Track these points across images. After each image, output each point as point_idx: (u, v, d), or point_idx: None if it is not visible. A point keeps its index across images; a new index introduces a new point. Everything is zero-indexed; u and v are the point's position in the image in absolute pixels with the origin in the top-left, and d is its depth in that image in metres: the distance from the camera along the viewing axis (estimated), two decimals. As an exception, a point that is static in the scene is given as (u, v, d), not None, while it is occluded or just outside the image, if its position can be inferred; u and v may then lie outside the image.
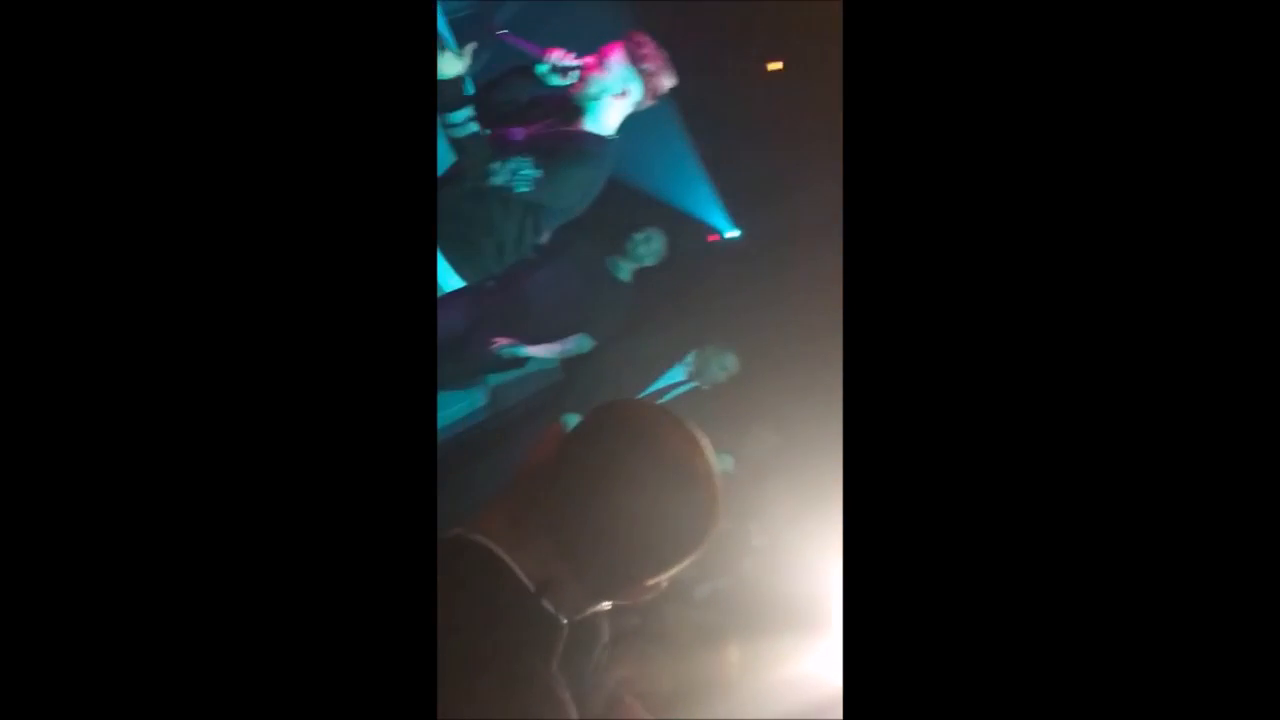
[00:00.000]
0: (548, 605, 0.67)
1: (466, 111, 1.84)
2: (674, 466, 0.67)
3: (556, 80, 1.96)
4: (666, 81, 2.01)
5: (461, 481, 2.60)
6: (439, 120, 1.83)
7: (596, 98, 1.99)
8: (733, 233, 3.58)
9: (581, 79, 1.96)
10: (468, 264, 2.07)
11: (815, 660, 1.63)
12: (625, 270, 2.83)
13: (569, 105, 2.03)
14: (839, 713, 0.65)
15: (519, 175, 1.92)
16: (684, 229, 3.10)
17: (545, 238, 2.06)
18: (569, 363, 2.92)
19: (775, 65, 3.48)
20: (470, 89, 1.90)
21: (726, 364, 2.85)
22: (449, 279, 2.08)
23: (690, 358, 2.85)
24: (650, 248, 2.81)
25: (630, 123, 2.08)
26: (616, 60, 1.98)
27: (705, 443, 0.70)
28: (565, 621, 0.69)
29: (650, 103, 2.05)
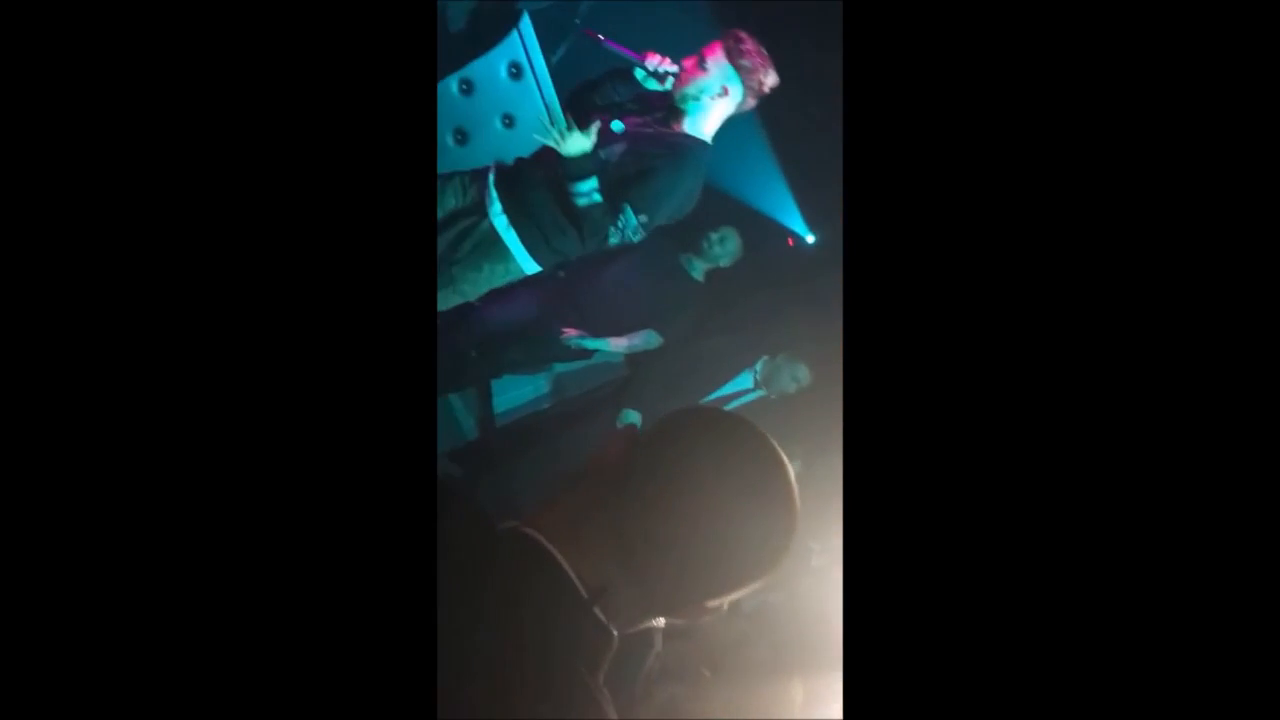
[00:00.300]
0: (600, 614, 0.64)
1: (593, 182, 1.87)
2: (753, 483, 0.64)
3: (654, 85, 1.93)
4: (769, 80, 1.96)
5: (515, 469, 2.61)
6: (569, 189, 1.88)
7: (697, 99, 1.96)
8: (810, 238, 3.50)
9: (680, 80, 1.92)
10: (545, 248, 2.07)
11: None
12: (699, 269, 2.79)
13: (668, 107, 2.00)
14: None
15: (629, 228, 1.93)
16: (761, 231, 3.03)
17: (640, 237, 2.05)
18: (634, 359, 2.89)
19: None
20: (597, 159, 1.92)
21: (798, 375, 2.75)
22: (524, 261, 2.08)
23: (759, 365, 2.77)
24: (725, 248, 2.76)
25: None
26: (716, 60, 1.94)
27: (788, 461, 0.66)
28: (616, 633, 0.65)
29: (752, 104, 2.00)
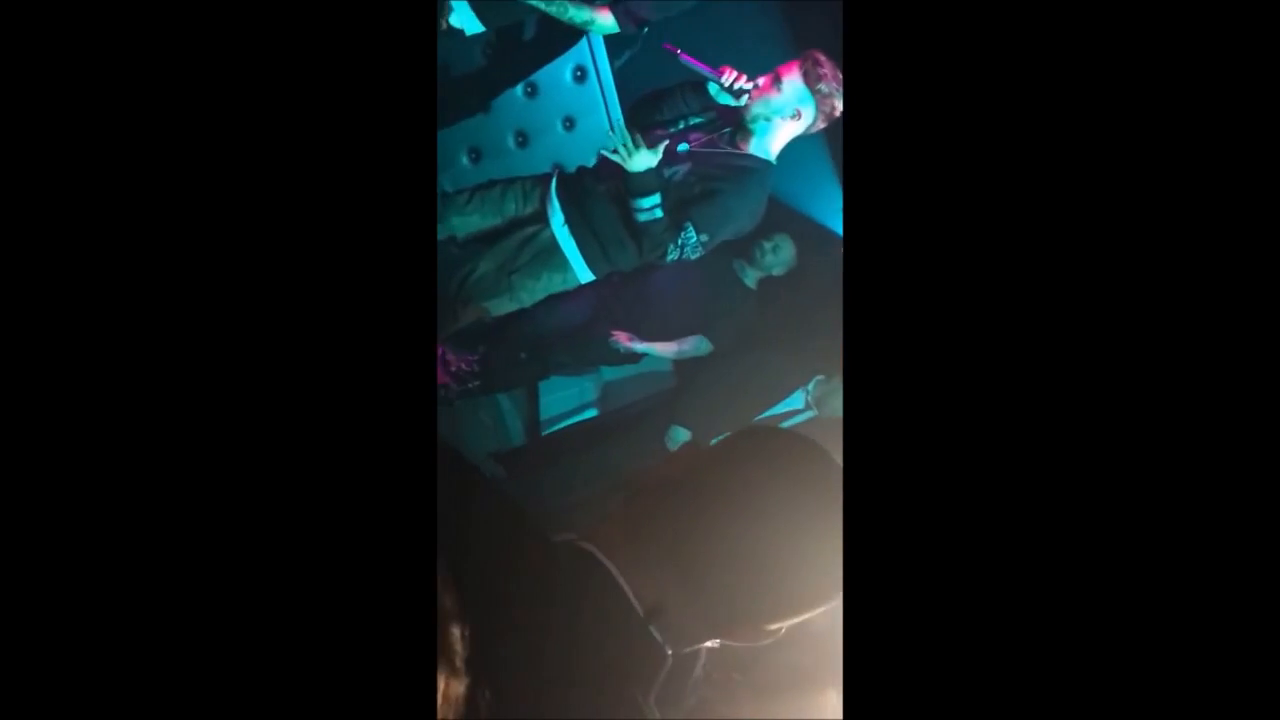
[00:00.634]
0: (655, 633, 0.64)
1: (655, 199, 1.88)
2: (820, 507, 0.62)
3: (728, 100, 1.91)
4: (841, 104, 1.93)
5: (560, 477, 2.61)
6: (631, 204, 1.90)
7: (768, 119, 1.94)
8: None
9: (753, 98, 1.91)
10: (602, 259, 2.08)
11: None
12: (751, 277, 2.76)
13: (737, 124, 1.99)
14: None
15: (687, 248, 1.93)
16: (817, 239, 2.98)
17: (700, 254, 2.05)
18: (683, 372, 2.88)
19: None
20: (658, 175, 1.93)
21: None
22: (581, 271, 2.09)
23: (812, 385, 2.72)
24: (778, 257, 2.73)
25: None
26: (792, 80, 1.91)
27: None
28: (670, 652, 0.65)
29: (822, 126, 1.97)
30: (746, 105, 1.93)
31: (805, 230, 2.84)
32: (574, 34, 2.34)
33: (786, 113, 1.94)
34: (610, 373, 3.00)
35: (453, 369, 2.73)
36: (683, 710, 0.82)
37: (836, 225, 3.36)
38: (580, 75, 2.48)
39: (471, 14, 1.94)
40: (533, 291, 2.11)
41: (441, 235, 2.23)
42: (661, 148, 1.89)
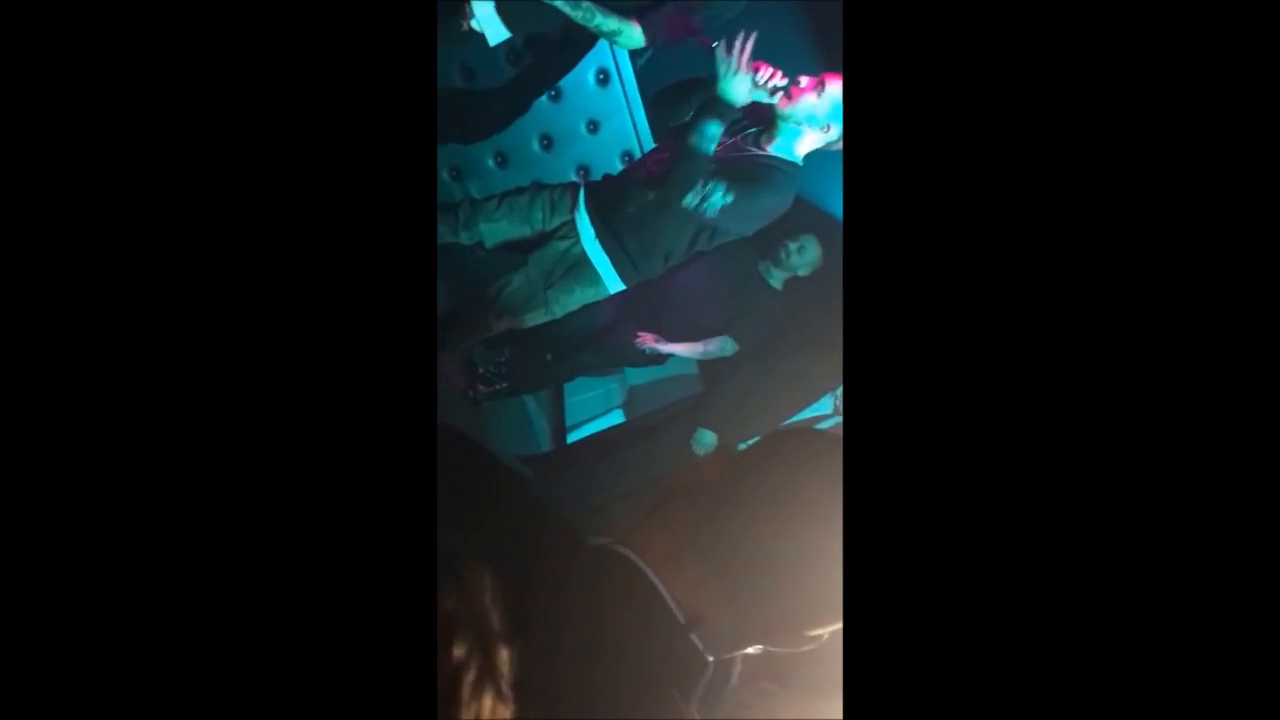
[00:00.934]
0: (695, 640, 0.64)
1: (720, 130, 1.84)
2: None
3: (761, 96, 1.90)
4: None
5: (588, 480, 2.62)
6: (697, 127, 1.84)
7: (798, 124, 1.92)
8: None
9: (788, 97, 1.89)
10: (632, 270, 2.09)
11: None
12: (777, 278, 2.74)
13: (764, 122, 1.98)
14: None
15: (709, 200, 1.91)
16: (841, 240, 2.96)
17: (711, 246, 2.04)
18: (709, 376, 2.87)
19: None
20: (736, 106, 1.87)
21: None
22: (612, 284, 2.10)
23: (840, 390, 2.71)
24: (804, 257, 2.71)
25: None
26: (834, 92, 1.89)
27: None
28: (711, 659, 0.65)
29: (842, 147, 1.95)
30: (779, 105, 1.91)
31: (831, 230, 2.82)
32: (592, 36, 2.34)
33: (818, 124, 1.92)
34: (636, 375, 3.01)
35: (480, 371, 2.75)
36: (723, 714, 0.82)
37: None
38: (603, 78, 2.48)
39: (498, 20, 1.94)
40: (565, 305, 2.13)
41: (469, 240, 2.25)
42: (763, 81, 1.83)
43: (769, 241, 2.62)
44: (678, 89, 2.04)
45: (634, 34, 1.91)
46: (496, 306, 2.16)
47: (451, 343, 2.40)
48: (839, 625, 0.64)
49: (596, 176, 2.47)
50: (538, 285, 2.08)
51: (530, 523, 0.67)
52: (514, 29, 1.99)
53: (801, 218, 2.61)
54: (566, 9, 1.85)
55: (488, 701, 0.55)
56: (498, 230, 2.18)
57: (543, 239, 2.12)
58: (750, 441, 2.52)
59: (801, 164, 2.00)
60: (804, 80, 1.90)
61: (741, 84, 1.81)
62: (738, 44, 1.80)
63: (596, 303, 2.43)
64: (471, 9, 1.92)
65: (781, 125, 1.95)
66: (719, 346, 2.67)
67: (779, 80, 1.88)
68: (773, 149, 1.98)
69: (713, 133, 1.85)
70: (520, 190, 2.19)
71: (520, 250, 2.18)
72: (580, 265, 2.06)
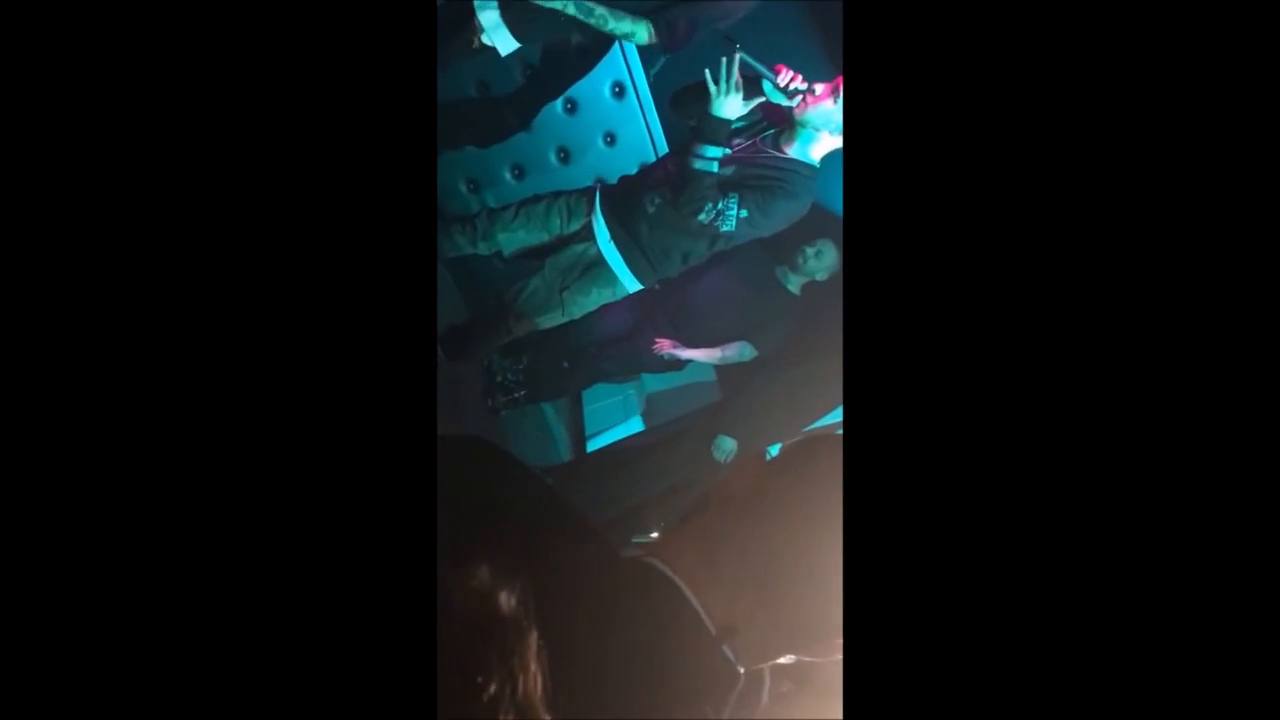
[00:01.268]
0: (728, 652, 0.64)
1: (719, 151, 1.88)
2: None
3: (780, 98, 1.91)
4: None
5: (609, 491, 2.62)
6: (695, 151, 1.89)
7: (816, 129, 1.93)
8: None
9: (808, 102, 1.90)
10: (649, 270, 2.10)
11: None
12: (794, 283, 2.74)
13: (782, 124, 1.99)
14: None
15: (725, 217, 1.93)
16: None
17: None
18: (728, 383, 2.86)
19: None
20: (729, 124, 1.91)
21: None
22: (629, 283, 2.11)
23: None
24: (822, 261, 2.70)
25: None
26: None
27: None
28: (742, 670, 0.65)
29: None
30: (798, 108, 1.92)
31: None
32: (604, 44, 2.35)
33: (836, 128, 1.93)
34: (654, 382, 3.00)
35: (497, 380, 2.77)
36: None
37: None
38: (619, 90, 2.49)
39: (506, 33, 1.95)
40: (583, 306, 2.14)
41: (487, 251, 2.27)
42: (750, 106, 1.86)
43: (786, 246, 2.62)
44: (696, 89, 2.05)
45: (647, 34, 1.93)
46: (514, 310, 2.18)
47: (471, 352, 2.42)
48: None
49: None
50: (554, 287, 2.09)
51: (561, 534, 0.67)
52: (526, 39, 1.99)
53: (819, 222, 2.62)
54: (579, 15, 1.87)
55: (515, 716, 0.55)
56: (515, 238, 2.20)
57: (560, 243, 2.13)
58: (774, 448, 2.51)
59: (819, 166, 2.00)
60: (819, 87, 1.90)
61: (733, 102, 1.85)
62: (724, 64, 1.83)
63: (614, 309, 2.44)
64: (480, 23, 1.92)
65: (801, 129, 1.96)
66: (737, 352, 2.67)
67: (799, 84, 1.88)
68: (791, 151, 1.98)
69: (711, 153, 1.89)
70: (537, 198, 2.21)
71: (538, 256, 2.19)
72: (596, 266, 2.08)
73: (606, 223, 2.08)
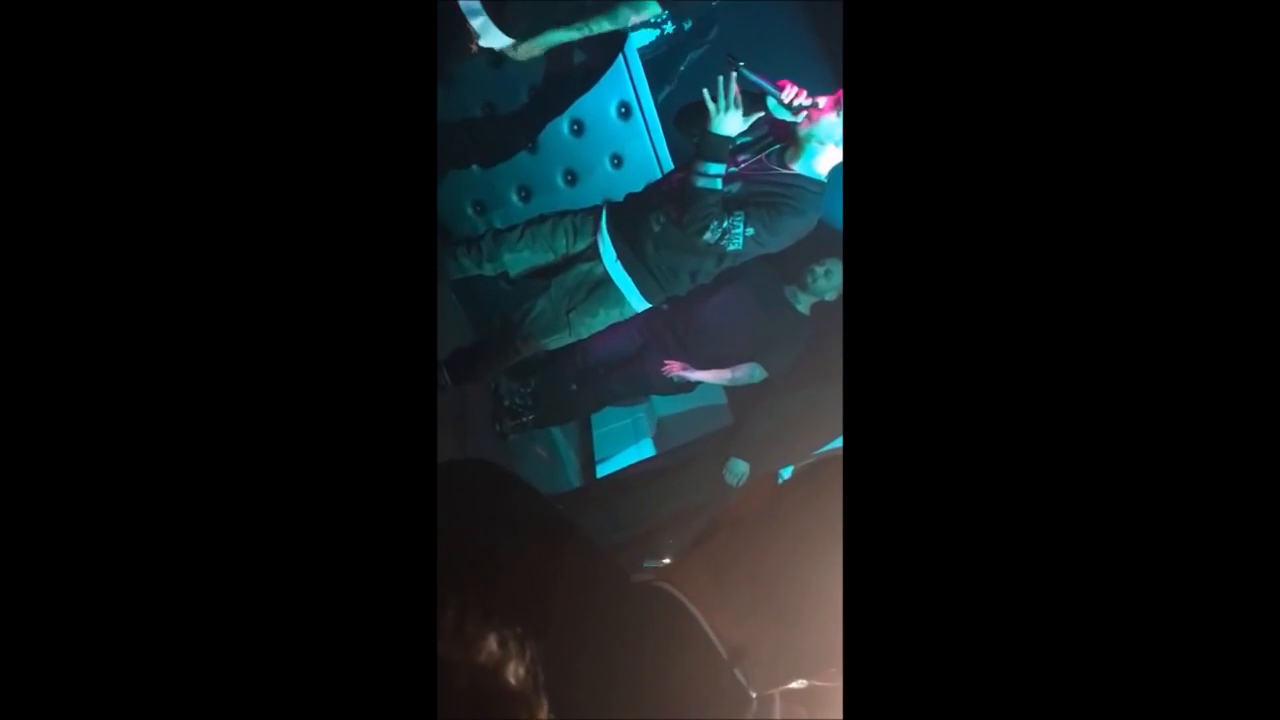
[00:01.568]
0: (739, 676, 0.61)
1: (721, 168, 1.89)
2: None
3: (784, 114, 1.92)
4: None
5: (620, 515, 2.59)
6: (697, 169, 1.89)
7: (821, 142, 1.93)
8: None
9: (812, 117, 1.90)
10: (657, 288, 2.09)
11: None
12: (804, 302, 2.73)
13: (787, 140, 1.99)
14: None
15: (732, 236, 1.93)
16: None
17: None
18: (739, 406, 2.84)
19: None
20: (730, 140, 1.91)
21: None
22: (636, 302, 2.10)
23: None
24: (831, 281, 2.69)
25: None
26: None
27: None
28: (754, 695, 0.62)
29: None
30: (803, 123, 1.92)
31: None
32: (609, 55, 2.35)
33: (841, 142, 1.93)
34: (664, 405, 2.99)
35: (505, 404, 2.75)
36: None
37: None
38: (625, 112, 2.51)
39: (495, 29, 1.93)
40: (590, 326, 2.14)
41: (493, 272, 2.27)
42: (750, 121, 1.87)
43: (795, 266, 2.61)
44: (699, 107, 2.06)
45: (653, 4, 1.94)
46: (521, 332, 2.17)
47: (478, 374, 2.41)
48: None
49: (620, 210, 2.49)
50: (560, 307, 2.09)
51: (572, 559, 0.66)
52: (520, 35, 1.98)
53: (827, 241, 2.61)
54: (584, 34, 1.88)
55: None
56: (521, 259, 2.20)
57: (566, 263, 2.13)
58: (785, 470, 2.48)
59: (825, 181, 1.99)
60: (823, 100, 1.90)
61: (733, 118, 1.86)
62: (721, 82, 1.85)
63: (622, 331, 2.43)
64: (475, 30, 1.92)
65: (806, 144, 1.96)
66: (747, 374, 2.65)
67: (804, 99, 1.88)
68: (797, 167, 1.98)
69: (714, 170, 1.90)
70: (543, 218, 2.22)
71: (545, 276, 2.19)
72: (602, 286, 2.08)
73: (612, 241, 2.07)
